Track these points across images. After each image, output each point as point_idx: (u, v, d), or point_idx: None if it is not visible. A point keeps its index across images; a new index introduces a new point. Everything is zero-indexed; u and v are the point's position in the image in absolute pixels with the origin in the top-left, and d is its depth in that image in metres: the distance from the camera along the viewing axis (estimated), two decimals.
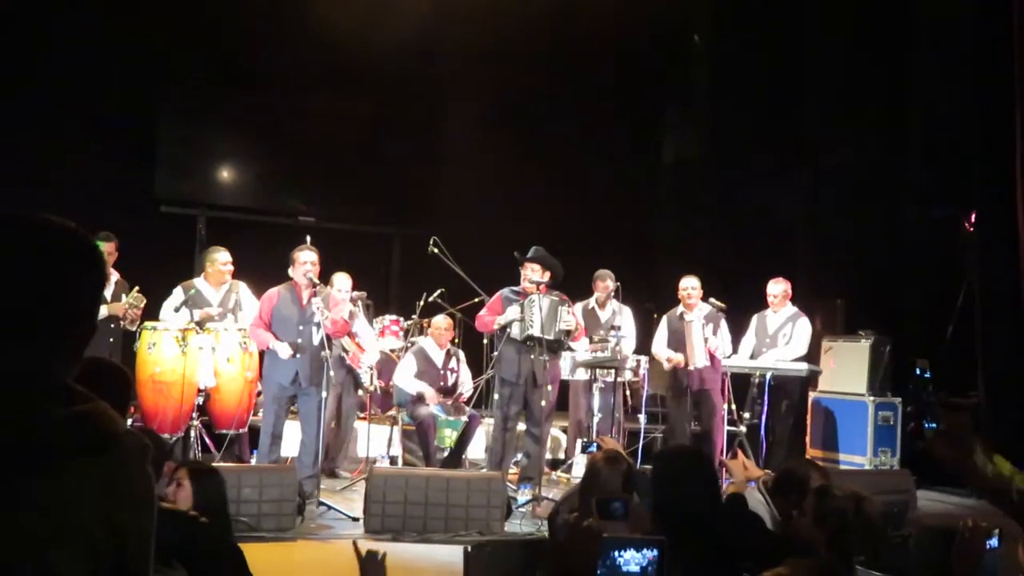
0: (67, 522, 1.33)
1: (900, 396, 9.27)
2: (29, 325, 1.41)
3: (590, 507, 3.38)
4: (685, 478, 2.85)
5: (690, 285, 8.28)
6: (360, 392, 8.46)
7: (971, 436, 2.77)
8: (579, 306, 8.48)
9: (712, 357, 8.17)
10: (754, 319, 8.76)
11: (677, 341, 8.33)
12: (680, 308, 8.33)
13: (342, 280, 7.76)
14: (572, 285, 8.08)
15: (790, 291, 8.66)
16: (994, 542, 2.72)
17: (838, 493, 3.00)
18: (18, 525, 1.31)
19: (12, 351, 1.39)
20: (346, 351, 7.87)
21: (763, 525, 3.81)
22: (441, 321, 8.51)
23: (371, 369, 8.17)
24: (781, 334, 8.58)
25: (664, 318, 8.58)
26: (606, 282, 8.60)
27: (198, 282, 7.59)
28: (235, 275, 7.74)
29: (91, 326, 1.52)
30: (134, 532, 1.39)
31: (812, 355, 8.89)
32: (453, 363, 8.40)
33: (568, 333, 7.49)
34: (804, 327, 8.59)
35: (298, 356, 6.86)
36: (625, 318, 8.55)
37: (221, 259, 7.54)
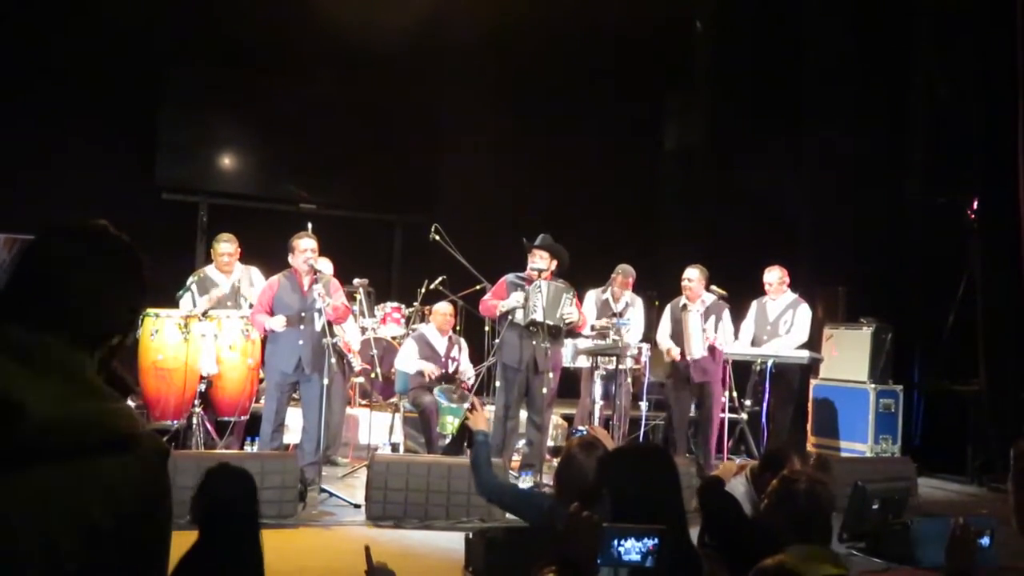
0: (80, 515, 1.34)
1: (901, 384, 9.28)
2: (68, 323, 1.43)
3: (565, 490, 3.43)
4: (647, 472, 2.88)
5: (687, 276, 8.24)
6: (358, 378, 8.46)
7: None
8: (593, 294, 8.51)
9: (713, 349, 8.15)
10: (753, 305, 8.72)
11: (678, 331, 8.32)
12: (683, 298, 8.31)
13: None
14: (573, 273, 8.08)
15: (787, 278, 8.63)
16: (986, 541, 2.76)
17: (799, 478, 3.05)
18: (33, 513, 1.32)
19: (48, 346, 1.41)
20: (335, 334, 7.85)
21: (739, 507, 3.89)
22: (443, 307, 8.49)
23: (358, 355, 8.14)
24: (782, 321, 8.56)
25: (668, 307, 8.56)
26: (628, 279, 8.60)
27: (208, 269, 7.65)
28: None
29: (128, 331, 1.55)
30: (148, 531, 1.40)
31: (813, 342, 8.88)
32: (455, 351, 8.39)
33: (568, 324, 7.51)
34: (805, 314, 8.56)
35: (300, 343, 6.86)
36: (636, 310, 8.59)
37: (220, 249, 7.59)
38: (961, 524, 2.72)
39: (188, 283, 7.52)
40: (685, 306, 8.21)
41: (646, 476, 2.85)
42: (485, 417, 3.95)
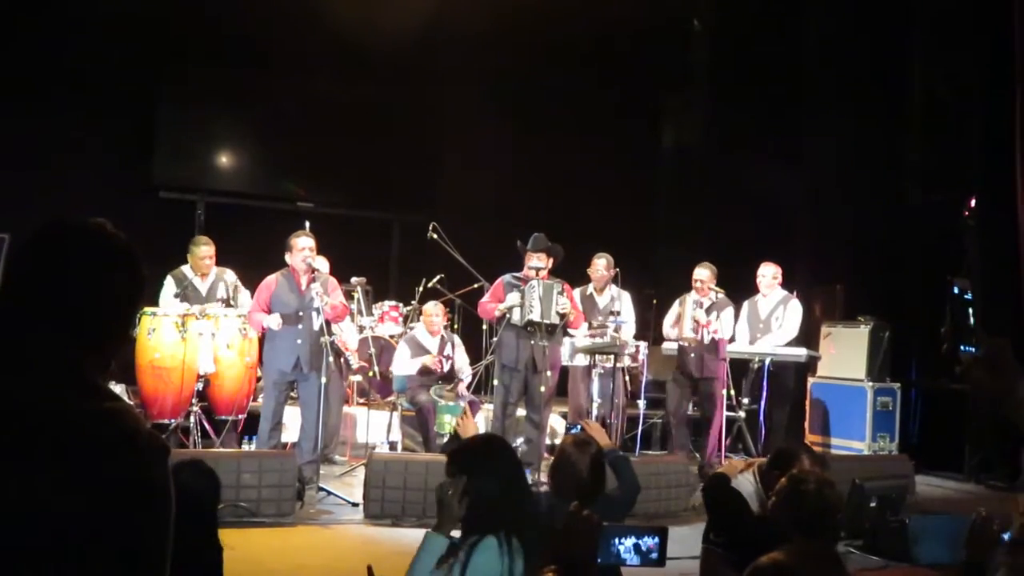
0: (83, 513, 1.34)
1: (899, 382, 9.28)
2: (67, 322, 1.44)
3: (559, 488, 3.47)
4: (493, 464, 2.94)
5: (698, 277, 8.25)
6: (356, 377, 8.45)
7: (1012, 363, 2.79)
8: (576, 292, 8.48)
9: (716, 344, 8.15)
10: (745, 305, 8.77)
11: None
12: (692, 293, 8.34)
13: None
14: (571, 271, 8.08)
15: (780, 275, 8.66)
16: (1009, 535, 2.75)
17: (808, 478, 3.05)
18: (36, 511, 1.32)
19: (48, 345, 1.41)
20: (333, 333, 7.83)
21: (745, 504, 3.88)
22: (429, 308, 8.45)
23: (355, 353, 8.15)
24: (774, 318, 8.60)
25: (676, 302, 8.58)
26: (596, 263, 8.53)
27: (186, 269, 7.63)
28: (235, 262, 7.75)
29: (126, 330, 1.55)
30: (150, 529, 1.40)
31: (811, 340, 8.88)
32: (448, 349, 8.39)
33: (563, 316, 7.49)
34: (795, 309, 8.61)
35: (298, 342, 6.85)
36: (624, 303, 8.53)
37: (199, 252, 7.62)
38: (983, 516, 2.71)
39: (170, 285, 7.54)
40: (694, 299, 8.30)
41: (492, 467, 2.90)
42: (475, 425, 3.98)
